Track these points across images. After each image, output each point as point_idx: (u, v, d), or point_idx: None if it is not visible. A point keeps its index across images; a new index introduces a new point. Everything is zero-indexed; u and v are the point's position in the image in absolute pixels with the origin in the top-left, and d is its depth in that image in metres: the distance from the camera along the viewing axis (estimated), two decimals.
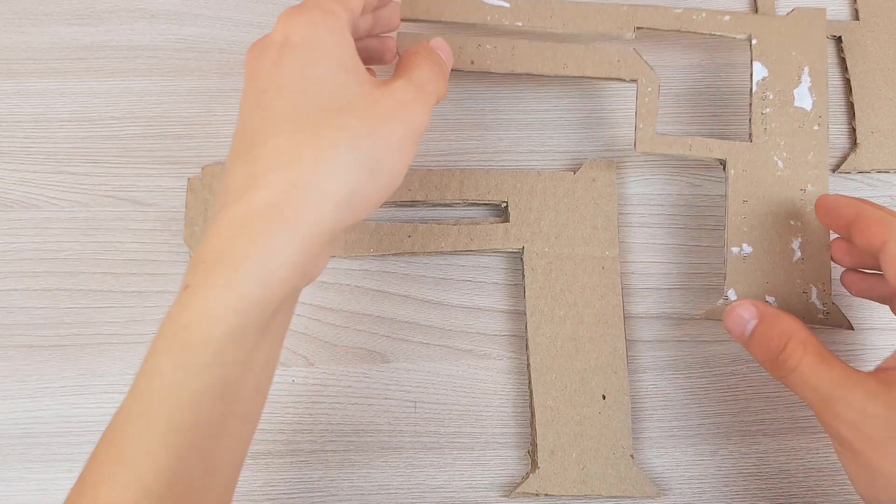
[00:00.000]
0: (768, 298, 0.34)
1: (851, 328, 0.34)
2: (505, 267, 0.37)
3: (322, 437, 0.35)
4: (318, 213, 0.24)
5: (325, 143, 0.25)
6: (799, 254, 0.34)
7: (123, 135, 0.38)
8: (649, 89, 0.35)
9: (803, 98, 0.35)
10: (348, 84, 0.26)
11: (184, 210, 0.36)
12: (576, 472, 0.33)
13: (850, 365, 0.28)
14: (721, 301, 0.34)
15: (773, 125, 0.35)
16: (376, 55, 0.34)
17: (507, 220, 0.37)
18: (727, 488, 0.35)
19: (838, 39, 0.39)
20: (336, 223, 0.25)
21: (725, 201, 0.35)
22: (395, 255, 0.37)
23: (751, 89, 0.36)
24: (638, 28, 0.36)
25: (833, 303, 0.34)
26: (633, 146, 0.35)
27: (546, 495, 0.33)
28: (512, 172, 0.37)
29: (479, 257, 0.37)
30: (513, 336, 0.37)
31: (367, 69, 0.28)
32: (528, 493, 0.33)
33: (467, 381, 0.36)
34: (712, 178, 0.38)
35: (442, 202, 0.37)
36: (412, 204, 0.37)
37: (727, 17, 0.36)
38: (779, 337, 0.29)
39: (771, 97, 0.35)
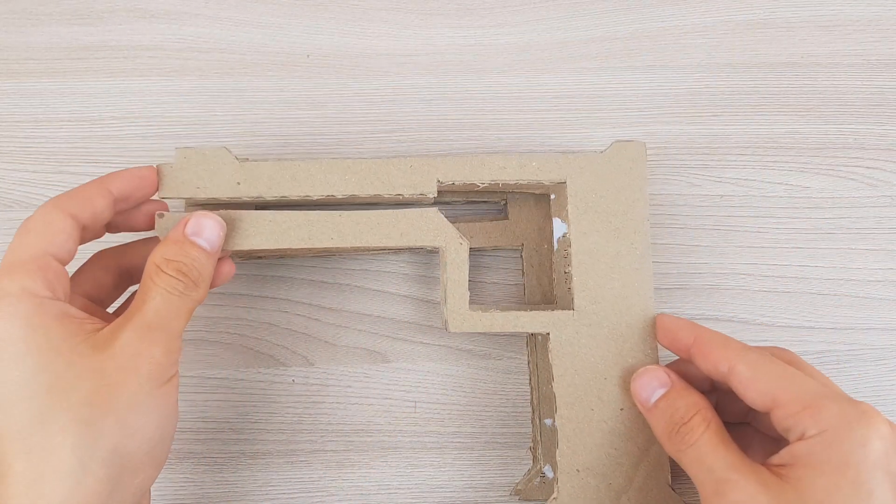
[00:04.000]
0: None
1: None
2: (505, 267, 0.37)
3: (322, 437, 0.35)
4: None
5: (63, 452, 0.24)
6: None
7: (123, 135, 0.38)
8: (458, 257, 0.32)
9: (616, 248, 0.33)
10: (60, 369, 0.24)
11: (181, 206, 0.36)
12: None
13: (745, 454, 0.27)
14: (538, 480, 0.33)
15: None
16: (140, 225, 0.32)
17: (506, 217, 0.37)
18: None
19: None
20: None
21: (542, 372, 0.34)
22: (393, 251, 0.37)
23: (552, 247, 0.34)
24: (440, 183, 0.32)
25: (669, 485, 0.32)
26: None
27: None
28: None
29: (479, 256, 0.37)
30: (513, 336, 0.37)
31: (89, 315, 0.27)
32: None
33: (467, 381, 0.36)
34: (712, 178, 0.38)
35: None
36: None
37: (535, 164, 0.33)
38: (685, 409, 0.28)
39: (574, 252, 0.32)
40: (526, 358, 0.36)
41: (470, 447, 0.35)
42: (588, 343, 0.32)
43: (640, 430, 0.31)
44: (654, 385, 0.30)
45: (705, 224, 0.38)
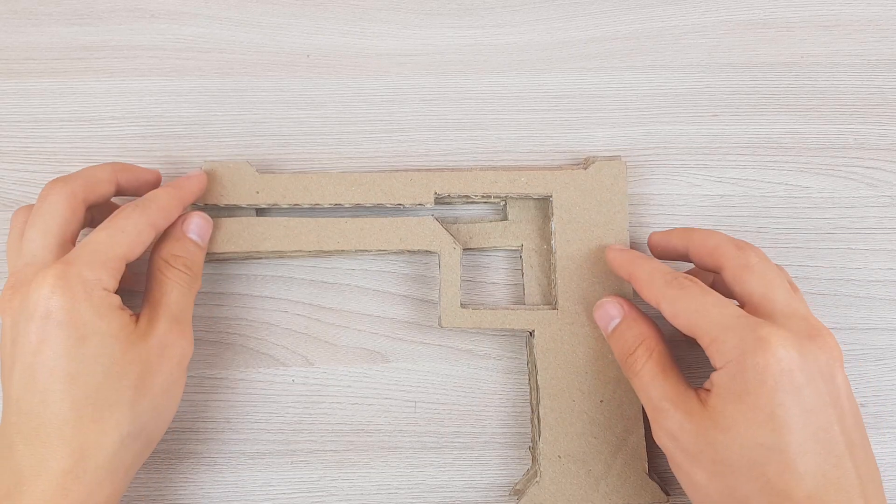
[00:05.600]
0: None
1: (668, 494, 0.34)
2: (505, 267, 0.37)
3: (322, 436, 0.35)
4: (109, 487, 0.28)
5: (109, 426, 0.28)
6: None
7: (123, 135, 0.38)
8: (452, 260, 0.35)
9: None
10: (117, 355, 0.28)
11: None
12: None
13: (687, 379, 0.30)
14: (536, 481, 0.33)
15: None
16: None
17: (505, 217, 0.37)
18: None
19: None
20: (124, 483, 0.29)
21: (533, 367, 0.35)
22: (394, 253, 0.37)
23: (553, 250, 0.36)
24: (437, 195, 0.35)
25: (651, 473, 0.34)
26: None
27: None
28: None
29: (478, 256, 0.37)
30: (513, 336, 0.37)
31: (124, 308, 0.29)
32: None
33: (467, 381, 0.36)
34: (712, 178, 0.38)
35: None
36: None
37: (524, 179, 0.35)
38: (632, 339, 0.31)
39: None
40: (526, 358, 0.36)
41: (470, 447, 0.35)
42: (570, 340, 0.34)
43: (618, 420, 0.34)
44: (610, 315, 0.32)
45: (705, 224, 0.38)
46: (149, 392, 0.29)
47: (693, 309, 0.29)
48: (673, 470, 0.29)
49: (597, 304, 0.33)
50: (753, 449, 0.26)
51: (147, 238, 0.30)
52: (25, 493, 0.26)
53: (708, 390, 0.28)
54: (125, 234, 0.29)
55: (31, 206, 0.31)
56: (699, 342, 0.28)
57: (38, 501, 0.26)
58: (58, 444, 0.27)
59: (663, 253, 0.33)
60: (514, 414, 0.36)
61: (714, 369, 0.28)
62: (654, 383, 0.29)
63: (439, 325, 0.35)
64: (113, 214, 0.30)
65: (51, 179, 0.31)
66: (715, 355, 0.27)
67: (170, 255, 0.31)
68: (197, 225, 0.33)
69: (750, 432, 0.26)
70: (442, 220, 0.36)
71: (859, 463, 0.26)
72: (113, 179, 0.32)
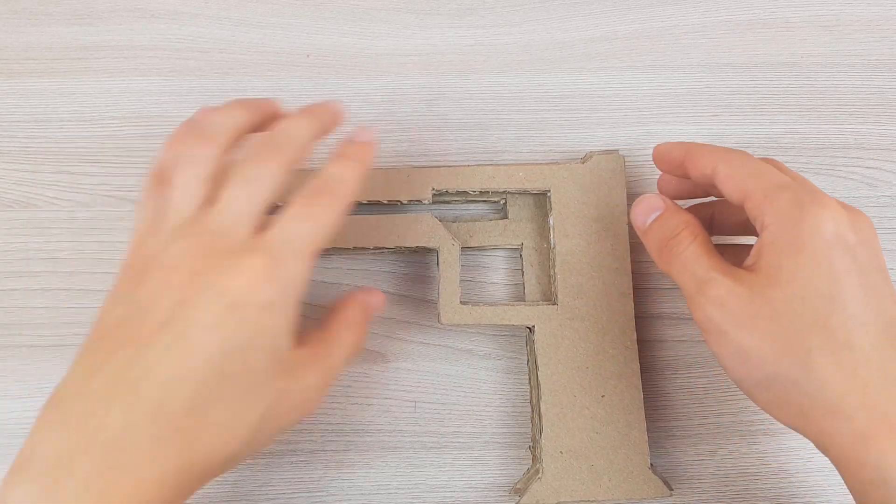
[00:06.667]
0: None
1: (671, 489, 0.34)
2: (505, 266, 0.37)
3: (322, 437, 0.35)
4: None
5: (218, 435, 0.25)
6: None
7: (123, 135, 0.38)
8: (451, 257, 0.35)
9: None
10: (261, 379, 0.26)
11: None
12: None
13: None
14: (539, 477, 0.33)
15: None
16: None
17: (505, 216, 0.37)
18: (727, 488, 0.35)
19: None
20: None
21: (534, 363, 0.35)
22: (392, 251, 0.37)
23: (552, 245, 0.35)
24: (435, 191, 0.35)
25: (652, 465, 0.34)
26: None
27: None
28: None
29: (478, 256, 0.37)
30: (513, 336, 0.37)
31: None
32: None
33: (467, 381, 0.36)
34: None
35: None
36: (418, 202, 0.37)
37: (521, 174, 0.35)
38: (675, 225, 0.30)
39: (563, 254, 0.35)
40: (526, 358, 0.36)
41: (470, 447, 0.35)
42: (571, 335, 0.34)
43: (619, 415, 0.34)
44: (650, 210, 0.32)
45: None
46: (260, 430, 0.26)
47: (751, 170, 0.29)
48: (715, 349, 0.28)
49: (636, 201, 0.32)
50: (815, 299, 0.26)
51: (333, 233, 0.28)
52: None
53: (751, 264, 0.28)
54: (325, 231, 0.27)
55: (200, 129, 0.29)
56: (746, 204, 0.28)
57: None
58: (207, 424, 0.25)
59: (668, 164, 0.33)
60: (513, 414, 0.36)
61: (758, 238, 0.28)
62: (699, 260, 0.29)
63: (438, 321, 0.35)
64: (308, 199, 0.27)
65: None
66: (768, 211, 0.27)
67: (351, 326, 0.30)
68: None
69: (812, 283, 0.26)
70: (441, 219, 0.36)
71: None
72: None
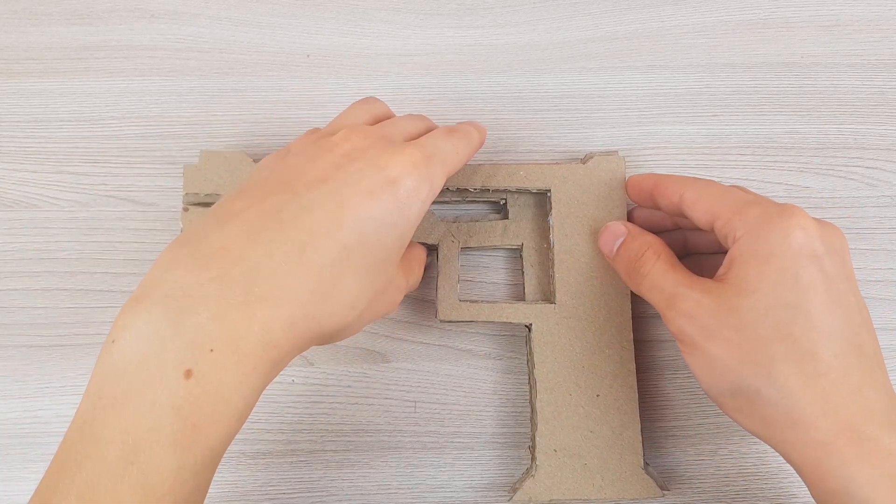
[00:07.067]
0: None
1: (665, 490, 0.34)
2: (505, 267, 0.37)
3: (322, 436, 0.35)
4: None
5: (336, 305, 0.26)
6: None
7: (123, 135, 0.38)
8: (450, 253, 0.35)
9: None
10: (382, 259, 0.27)
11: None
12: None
13: None
14: (532, 474, 0.33)
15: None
16: None
17: (506, 216, 0.37)
18: (727, 488, 0.35)
19: None
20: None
21: (531, 359, 0.35)
22: None
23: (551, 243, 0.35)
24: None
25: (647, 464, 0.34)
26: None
27: (551, 501, 0.33)
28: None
29: (478, 256, 0.37)
30: (513, 336, 0.37)
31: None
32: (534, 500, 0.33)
33: (467, 381, 0.36)
34: (712, 178, 0.38)
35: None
36: None
37: (522, 173, 0.35)
38: (639, 247, 0.31)
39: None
40: (525, 358, 0.36)
41: (470, 447, 0.35)
42: (568, 334, 0.34)
43: (614, 415, 0.34)
44: (614, 236, 0.33)
45: None
46: (368, 309, 0.27)
47: (718, 192, 0.30)
48: (687, 359, 0.29)
49: (601, 230, 0.34)
50: (780, 309, 0.26)
51: (461, 166, 0.31)
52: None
53: (721, 275, 0.28)
54: (459, 156, 0.30)
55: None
56: (715, 225, 0.29)
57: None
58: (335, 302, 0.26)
59: (638, 194, 0.34)
60: (513, 414, 0.36)
61: (726, 252, 0.29)
62: (665, 276, 0.30)
63: (436, 317, 0.35)
64: (446, 131, 0.31)
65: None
66: (738, 225, 0.28)
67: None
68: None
69: (776, 292, 0.26)
70: (442, 219, 0.36)
71: (872, 339, 0.27)
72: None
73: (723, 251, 0.33)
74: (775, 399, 0.26)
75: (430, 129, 0.32)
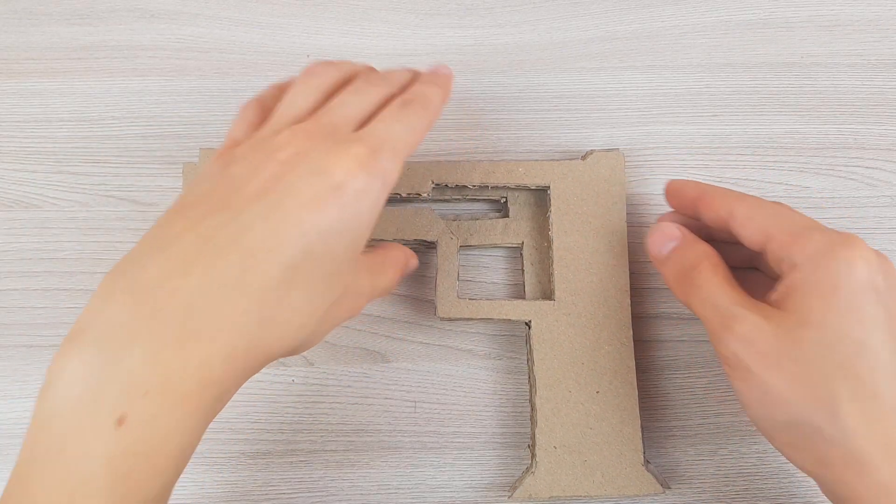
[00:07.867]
0: None
1: (666, 487, 0.34)
2: (505, 267, 0.37)
3: (322, 436, 0.35)
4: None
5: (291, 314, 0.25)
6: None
7: (123, 135, 0.38)
8: (449, 250, 0.35)
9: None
10: (341, 262, 0.26)
11: None
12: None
13: None
14: (532, 471, 0.33)
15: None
16: None
17: (506, 215, 0.37)
18: (727, 488, 0.35)
19: None
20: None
21: (530, 356, 0.35)
22: None
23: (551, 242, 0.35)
24: (435, 184, 0.35)
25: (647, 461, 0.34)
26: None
27: (550, 498, 0.33)
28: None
29: (478, 256, 0.37)
30: (513, 336, 0.37)
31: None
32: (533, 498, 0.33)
33: (467, 381, 0.36)
34: (712, 179, 0.38)
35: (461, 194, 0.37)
36: (417, 198, 0.37)
37: (521, 169, 0.35)
38: (695, 256, 0.30)
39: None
40: (525, 358, 0.36)
41: (470, 447, 0.35)
42: (567, 331, 0.34)
43: (614, 411, 0.34)
44: (666, 238, 0.31)
45: None
46: (323, 322, 0.26)
47: (771, 212, 0.28)
48: (738, 385, 0.27)
49: (652, 228, 0.32)
50: (845, 345, 0.25)
51: (420, 142, 0.28)
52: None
53: (780, 298, 0.27)
54: (415, 135, 0.27)
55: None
56: (769, 246, 0.28)
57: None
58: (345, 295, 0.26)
59: (679, 202, 0.32)
60: (513, 414, 0.36)
61: (779, 279, 0.27)
62: (721, 293, 0.28)
63: (436, 314, 0.35)
64: (400, 105, 0.28)
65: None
66: (797, 252, 0.26)
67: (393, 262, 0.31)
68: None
69: (843, 328, 0.25)
70: (442, 217, 0.36)
71: None
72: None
73: (752, 266, 0.32)
74: (839, 439, 0.25)
75: (385, 99, 0.28)
